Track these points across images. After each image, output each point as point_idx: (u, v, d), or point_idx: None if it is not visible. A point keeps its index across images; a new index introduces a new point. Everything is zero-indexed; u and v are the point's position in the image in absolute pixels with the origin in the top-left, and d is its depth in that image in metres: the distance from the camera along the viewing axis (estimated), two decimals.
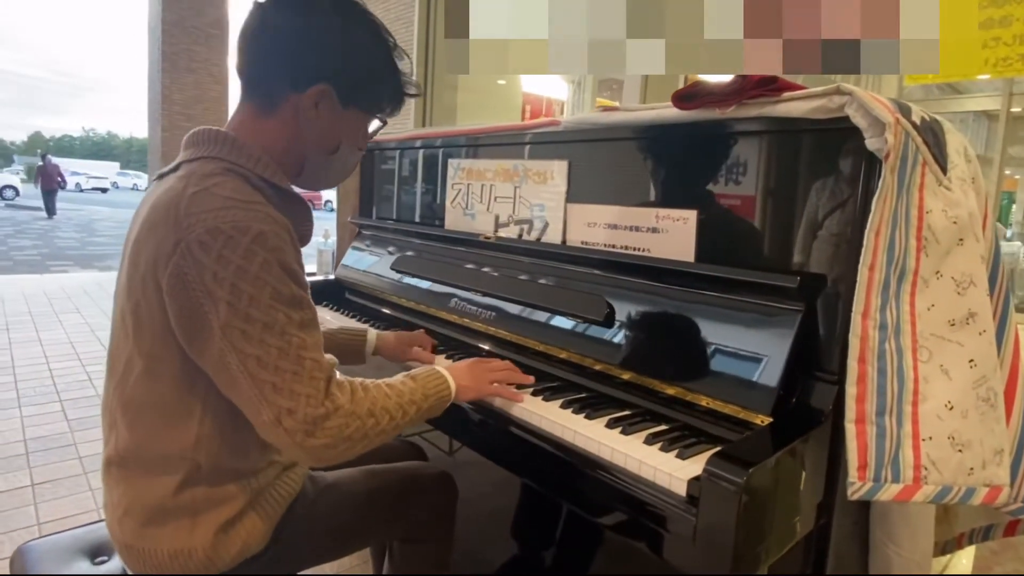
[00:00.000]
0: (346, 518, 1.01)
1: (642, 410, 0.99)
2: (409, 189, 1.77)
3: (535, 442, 0.96)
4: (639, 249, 1.12)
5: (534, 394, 1.04)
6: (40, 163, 14.40)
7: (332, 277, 1.87)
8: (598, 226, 1.20)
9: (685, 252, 1.04)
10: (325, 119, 0.87)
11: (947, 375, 0.82)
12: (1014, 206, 9.86)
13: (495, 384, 1.03)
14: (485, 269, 1.39)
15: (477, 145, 1.52)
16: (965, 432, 0.81)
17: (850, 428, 0.79)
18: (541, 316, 1.21)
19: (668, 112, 1.03)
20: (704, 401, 0.93)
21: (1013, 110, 4.89)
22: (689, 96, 0.98)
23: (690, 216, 1.04)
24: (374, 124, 0.95)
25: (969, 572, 1.60)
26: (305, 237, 0.88)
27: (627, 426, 0.91)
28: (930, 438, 0.80)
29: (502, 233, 1.40)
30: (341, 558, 1.10)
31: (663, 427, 0.92)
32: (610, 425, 0.93)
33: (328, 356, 0.81)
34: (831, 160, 0.88)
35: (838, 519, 0.92)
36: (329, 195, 15.46)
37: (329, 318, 1.60)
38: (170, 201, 0.75)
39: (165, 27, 6.14)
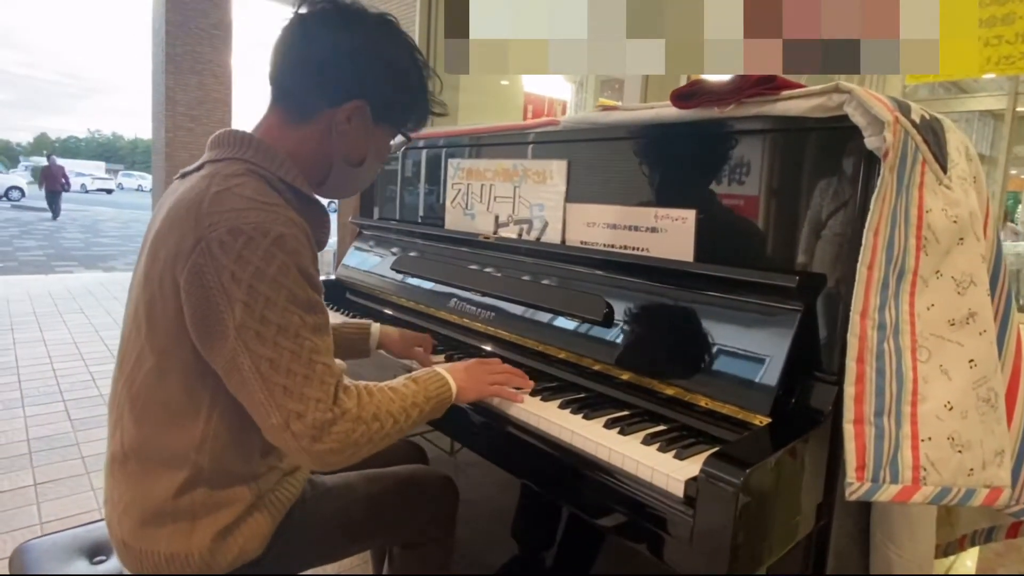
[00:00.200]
0: (346, 523, 1.01)
1: (641, 410, 0.99)
2: (410, 189, 1.77)
3: (533, 442, 0.95)
4: (638, 249, 1.11)
5: (533, 394, 1.04)
6: (45, 164, 14.49)
7: (333, 277, 1.87)
8: (597, 226, 1.19)
9: (684, 252, 1.04)
10: (356, 133, 0.87)
11: (947, 375, 0.81)
12: (1020, 206, 9.80)
13: (495, 385, 1.02)
14: (485, 269, 1.39)
15: (477, 145, 1.52)
16: (965, 433, 0.80)
17: (848, 428, 0.79)
18: (540, 316, 1.20)
19: (667, 111, 1.03)
20: (703, 401, 0.92)
21: (1019, 109, 4.86)
22: (688, 95, 0.98)
23: (689, 216, 1.03)
24: (397, 138, 0.96)
25: (973, 573, 1.59)
26: (322, 242, 0.89)
27: (625, 426, 0.91)
28: (929, 439, 0.79)
29: (502, 233, 1.40)
30: (340, 560, 1.10)
31: (661, 427, 0.92)
32: (608, 425, 0.92)
33: (338, 361, 0.81)
34: (831, 159, 0.87)
35: (838, 520, 0.91)
36: None
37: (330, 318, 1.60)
38: (193, 199, 0.75)
39: (169, 28, 6.17)
